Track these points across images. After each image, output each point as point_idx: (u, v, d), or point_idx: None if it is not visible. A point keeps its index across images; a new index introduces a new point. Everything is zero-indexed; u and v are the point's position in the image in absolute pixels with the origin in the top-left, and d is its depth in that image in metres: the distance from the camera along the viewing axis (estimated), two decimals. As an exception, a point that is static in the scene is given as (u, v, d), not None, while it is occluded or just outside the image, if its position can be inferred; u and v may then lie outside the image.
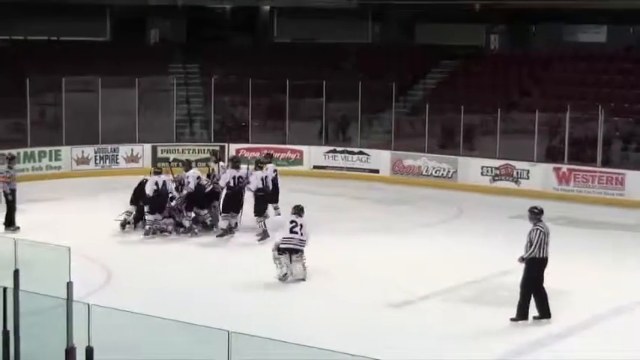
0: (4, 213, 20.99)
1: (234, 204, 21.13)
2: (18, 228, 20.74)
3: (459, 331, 14.49)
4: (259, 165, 21.70)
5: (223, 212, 21.04)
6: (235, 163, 21.66)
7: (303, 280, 16.95)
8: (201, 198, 21.11)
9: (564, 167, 27.08)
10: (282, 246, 16.94)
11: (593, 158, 27.37)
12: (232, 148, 30.22)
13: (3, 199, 21.24)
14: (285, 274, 16.92)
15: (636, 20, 33.92)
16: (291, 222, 17.10)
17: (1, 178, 21.34)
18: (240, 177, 21.21)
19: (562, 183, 26.91)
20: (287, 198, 25.87)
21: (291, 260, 16.93)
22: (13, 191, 21.05)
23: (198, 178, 21.14)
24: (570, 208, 25.15)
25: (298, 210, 17.31)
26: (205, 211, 21.21)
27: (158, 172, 21.21)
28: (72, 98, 29.96)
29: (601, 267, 18.75)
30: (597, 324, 15.21)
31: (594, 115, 27.51)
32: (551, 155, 28.38)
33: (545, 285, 14.81)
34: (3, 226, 20.79)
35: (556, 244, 20.75)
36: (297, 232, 16.97)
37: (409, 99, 33.56)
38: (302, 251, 17.01)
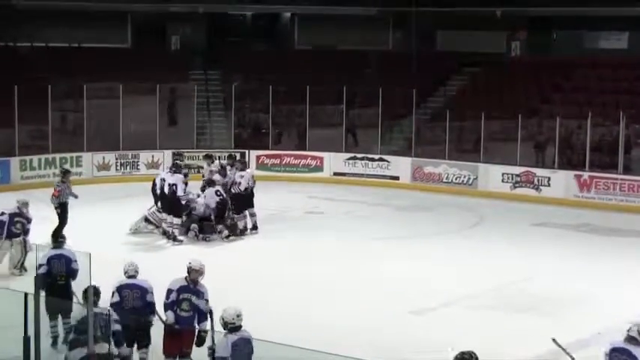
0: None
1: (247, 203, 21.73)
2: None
3: (480, 338, 14.38)
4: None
5: (237, 213, 21.44)
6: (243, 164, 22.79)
7: None
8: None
9: (585, 174, 26.93)
10: None
11: (614, 165, 27.24)
12: (253, 155, 30.26)
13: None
14: None
15: (658, 27, 33.81)
16: None
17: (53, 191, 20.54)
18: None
19: (583, 190, 26.74)
20: (307, 204, 26.13)
21: None
22: (61, 205, 20.25)
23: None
24: (592, 215, 25.05)
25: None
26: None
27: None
28: (93, 105, 30.07)
29: (623, 274, 18.66)
30: (621, 332, 15.10)
31: (615, 122, 27.42)
32: (572, 162, 28.28)
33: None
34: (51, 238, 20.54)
35: (578, 251, 20.91)
36: None
37: (430, 106, 33.47)
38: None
